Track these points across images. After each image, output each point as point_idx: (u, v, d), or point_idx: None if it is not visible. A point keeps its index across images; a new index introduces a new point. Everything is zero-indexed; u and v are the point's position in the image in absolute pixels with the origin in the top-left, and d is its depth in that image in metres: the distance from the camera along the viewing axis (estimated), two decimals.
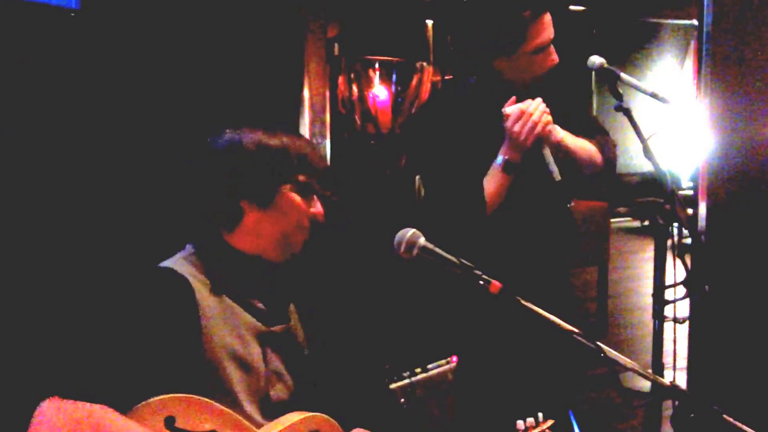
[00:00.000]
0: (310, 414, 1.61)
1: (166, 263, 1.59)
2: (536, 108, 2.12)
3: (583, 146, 2.30)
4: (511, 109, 2.14)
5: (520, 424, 1.57)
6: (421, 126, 2.40)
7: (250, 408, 1.56)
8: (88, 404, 1.34)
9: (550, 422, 1.60)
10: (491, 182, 2.19)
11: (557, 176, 2.11)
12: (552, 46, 2.19)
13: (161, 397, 1.41)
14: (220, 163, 1.61)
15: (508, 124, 2.12)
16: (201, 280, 1.56)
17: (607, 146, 2.37)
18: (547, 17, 2.16)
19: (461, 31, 2.38)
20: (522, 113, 2.11)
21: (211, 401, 1.47)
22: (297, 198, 1.64)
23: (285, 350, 1.67)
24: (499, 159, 2.18)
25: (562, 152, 2.20)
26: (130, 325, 1.45)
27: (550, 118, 2.14)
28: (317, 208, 1.68)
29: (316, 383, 1.72)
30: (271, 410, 1.60)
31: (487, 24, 2.15)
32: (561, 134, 2.21)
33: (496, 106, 2.19)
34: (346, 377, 1.79)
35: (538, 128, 2.11)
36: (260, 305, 1.64)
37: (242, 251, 1.62)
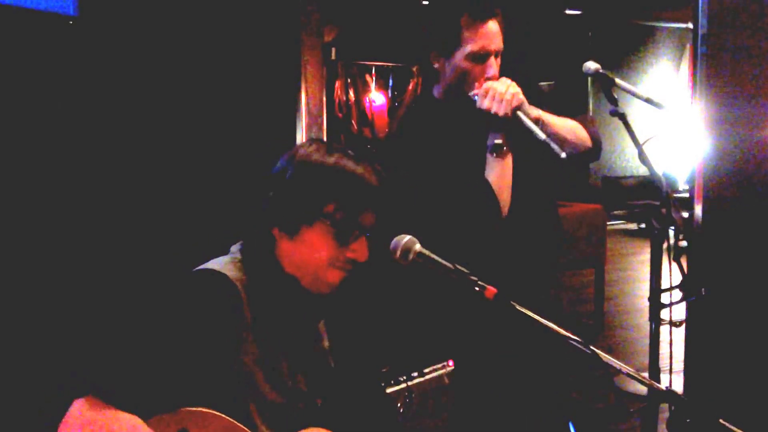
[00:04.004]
0: None
1: (217, 266, 1.55)
2: (502, 82, 2.13)
3: (565, 123, 2.26)
4: (476, 90, 2.15)
5: None
6: (404, 141, 2.35)
7: (267, 421, 1.55)
8: (120, 412, 1.32)
9: None
10: (490, 173, 2.18)
11: (540, 135, 2.05)
12: (494, 58, 2.18)
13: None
14: (266, 183, 1.57)
15: (479, 103, 2.13)
16: (246, 287, 1.53)
17: (589, 124, 2.34)
18: (493, 26, 2.15)
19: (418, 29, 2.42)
20: (488, 89, 2.12)
21: (225, 416, 1.45)
22: (328, 237, 1.55)
23: (309, 367, 1.65)
24: (488, 146, 2.18)
25: (545, 131, 2.12)
26: (178, 329, 1.43)
27: (518, 89, 2.13)
28: (358, 250, 1.58)
29: (330, 394, 1.70)
30: (287, 424, 1.59)
31: (429, 21, 2.23)
32: (537, 111, 2.19)
33: (469, 109, 2.18)
34: (351, 383, 1.78)
35: (507, 96, 2.10)
36: (292, 321, 1.62)
37: (283, 267, 1.58)
